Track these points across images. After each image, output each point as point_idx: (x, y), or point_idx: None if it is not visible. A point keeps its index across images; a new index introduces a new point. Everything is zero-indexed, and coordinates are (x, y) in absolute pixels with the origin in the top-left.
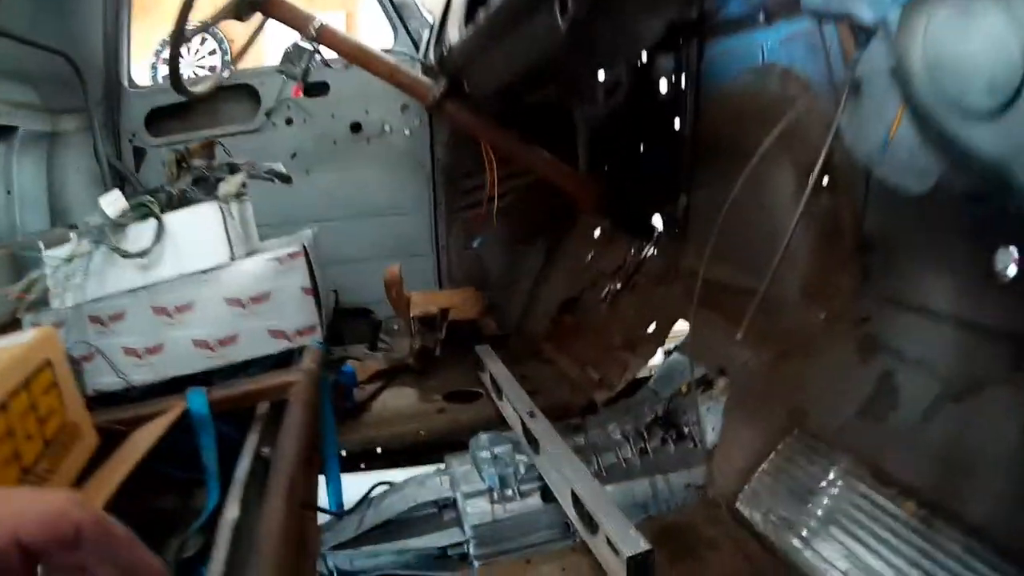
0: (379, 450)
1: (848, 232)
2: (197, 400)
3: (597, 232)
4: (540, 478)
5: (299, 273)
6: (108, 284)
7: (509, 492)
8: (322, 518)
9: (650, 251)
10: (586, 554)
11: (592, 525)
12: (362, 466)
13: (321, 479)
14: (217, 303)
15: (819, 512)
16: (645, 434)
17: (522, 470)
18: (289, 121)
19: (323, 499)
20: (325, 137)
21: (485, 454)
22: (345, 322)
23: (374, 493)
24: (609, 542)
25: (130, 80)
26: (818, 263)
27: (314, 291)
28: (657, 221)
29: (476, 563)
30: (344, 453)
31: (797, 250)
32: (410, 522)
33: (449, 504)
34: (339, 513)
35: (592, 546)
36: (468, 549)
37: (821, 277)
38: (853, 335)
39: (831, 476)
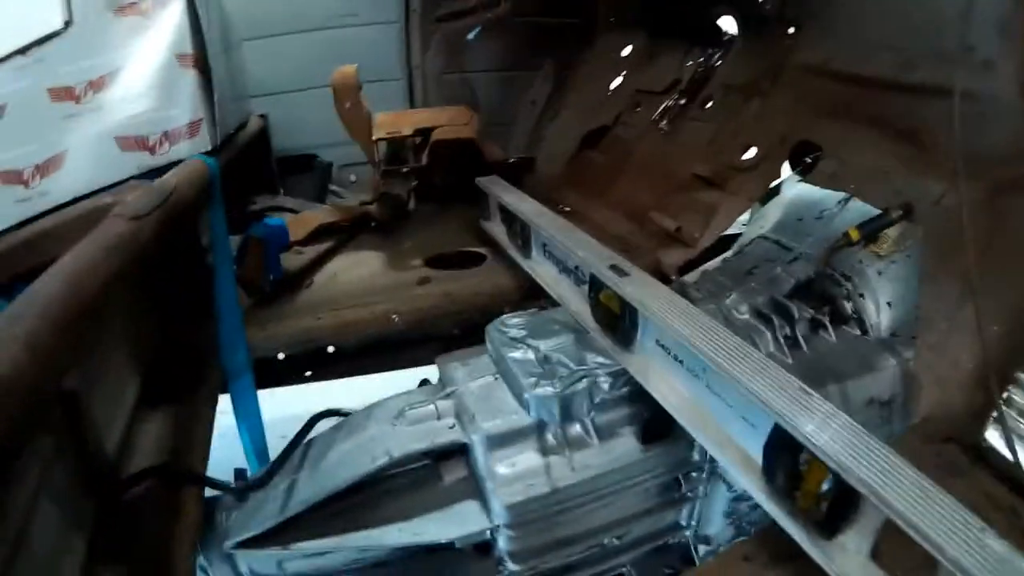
0: (330, 349)
1: None
2: None
3: (627, 50)
4: (634, 395)
5: (171, 31)
6: None
7: (577, 429)
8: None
9: (717, 61)
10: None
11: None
12: (307, 374)
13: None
14: (39, 101)
15: None
16: (794, 312)
17: (604, 386)
18: None
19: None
20: None
21: (523, 353)
22: (282, 176)
23: (313, 435)
24: None
25: None
26: None
27: (200, 63)
28: (727, 22)
29: (510, 565)
30: (281, 356)
31: (1007, 21)
32: (379, 490)
33: (456, 451)
34: (240, 489)
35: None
36: (499, 545)
37: None
38: None
39: None
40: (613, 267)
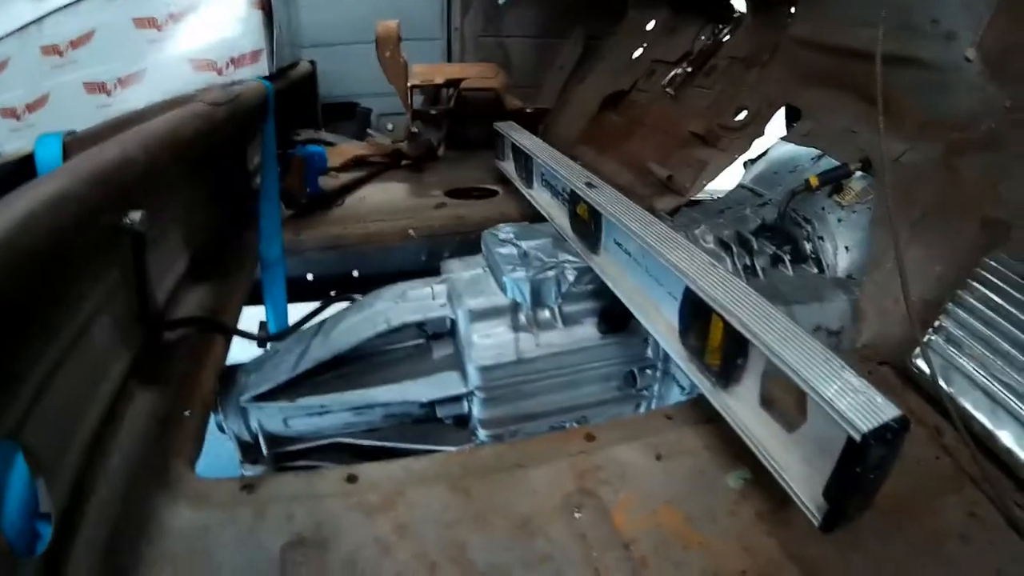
0: (355, 273)
1: None
2: (47, 146)
3: (651, 24)
4: (598, 292)
5: None
6: None
7: (546, 314)
8: (245, 351)
9: (726, 36)
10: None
11: (729, 371)
12: (331, 293)
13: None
14: (124, 28)
15: None
16: (753, 244)
17: (570, 276)
18: None
19: None
20: None
21: (508, 250)
22: (326, 119)
23: (327, 313)
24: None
25: None
26: (1001, 29)
27: (265, 5)
28: (739, 1)
29: (482, 433)
30: (310, 277)
31: (970, 6)
32: (378, 360)
33: (444, 330)
34: (264, 337)
35: (725, 408)
36: (471, 408)
37: (1005, 48)
38: None
39: None
40: (587, 183)
